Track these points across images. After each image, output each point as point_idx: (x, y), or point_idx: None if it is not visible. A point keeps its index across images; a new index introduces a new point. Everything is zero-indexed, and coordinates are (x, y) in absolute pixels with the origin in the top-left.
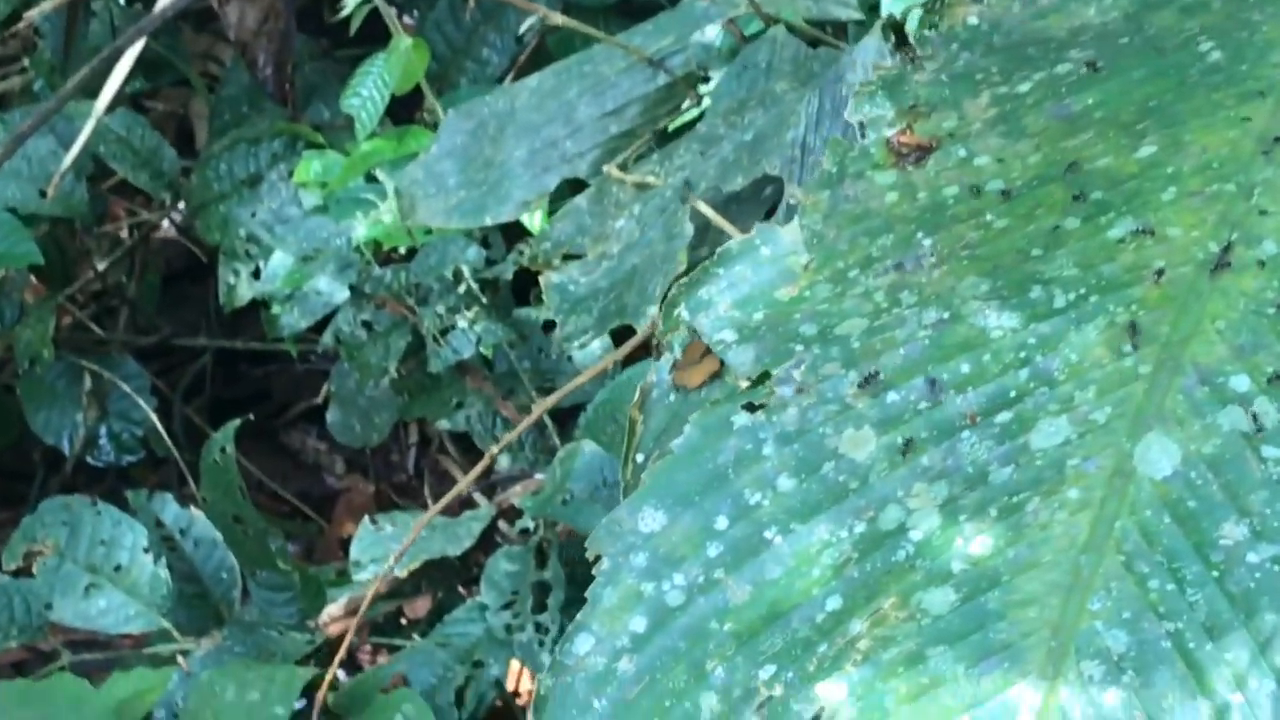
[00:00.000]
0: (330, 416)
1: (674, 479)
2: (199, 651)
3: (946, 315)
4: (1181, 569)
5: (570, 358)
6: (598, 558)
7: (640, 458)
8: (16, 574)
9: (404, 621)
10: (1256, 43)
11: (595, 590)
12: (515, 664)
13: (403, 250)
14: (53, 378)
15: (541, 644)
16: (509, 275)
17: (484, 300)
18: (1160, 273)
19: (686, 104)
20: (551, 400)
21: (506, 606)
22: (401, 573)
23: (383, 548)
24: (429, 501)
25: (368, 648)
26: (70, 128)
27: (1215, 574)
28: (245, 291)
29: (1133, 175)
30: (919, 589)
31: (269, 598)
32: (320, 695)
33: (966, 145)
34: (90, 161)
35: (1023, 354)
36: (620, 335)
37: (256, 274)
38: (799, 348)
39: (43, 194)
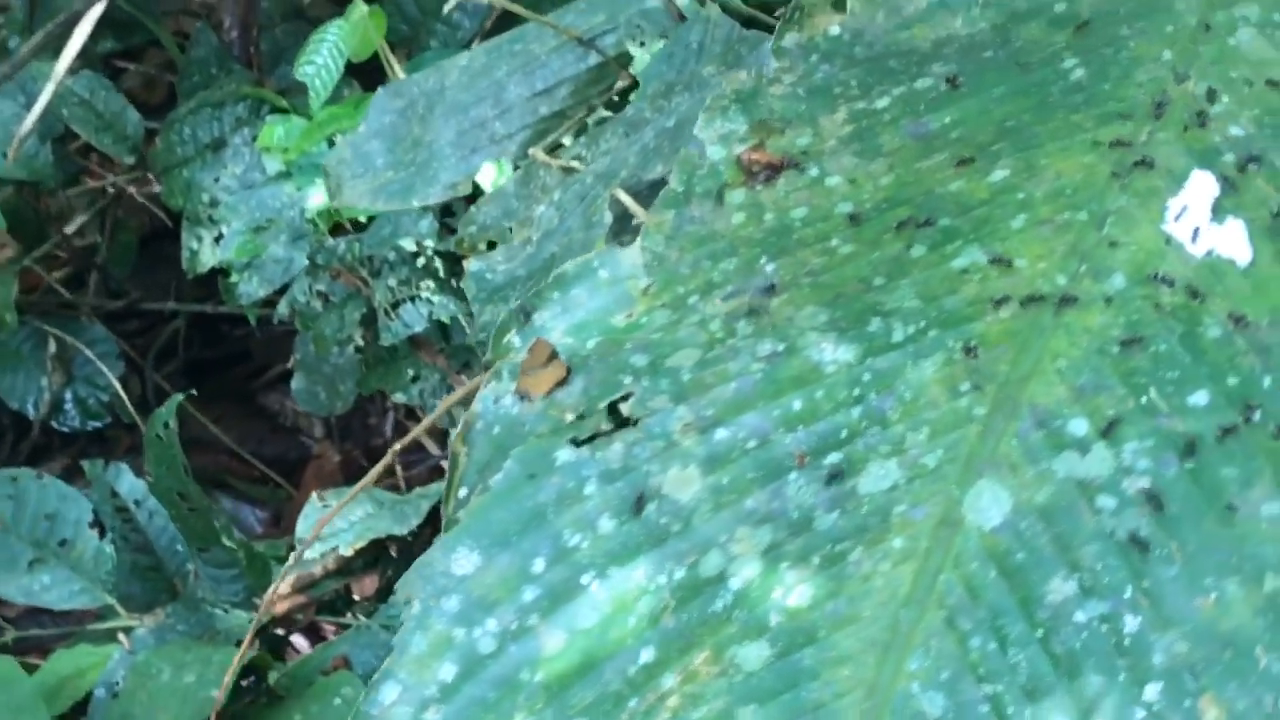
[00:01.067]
0: (295, 384)
1: (491, 518)
2: (141, 629)
3: (781, 348)
4: (1005, 627)
5: None
6: (408, 601)
7: (463, 492)
8: None
9: (355, 599)
10: (1122, 60)
11: (403, 636)
12: None
13: (363, 220)
14: (17, 342)
15: None
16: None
17: (439, 273)
18: (1002, 306)
19: (619, 84)
20: (455, 397)
21: None
22: (347, 551)
23: (329, 524)
24: (399, 471)
25: (330, 626)
26: (36, 89)
27: (1040, 633)
28: (208, 257)
29: (983, 201)
30: (734, 642)
31: (215, 574)
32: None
33: (819, 164)
34: (61, 124)
35: (856, 391)
36: None
37: (219, 239)
38: (628, 379)
39: (3, 155)
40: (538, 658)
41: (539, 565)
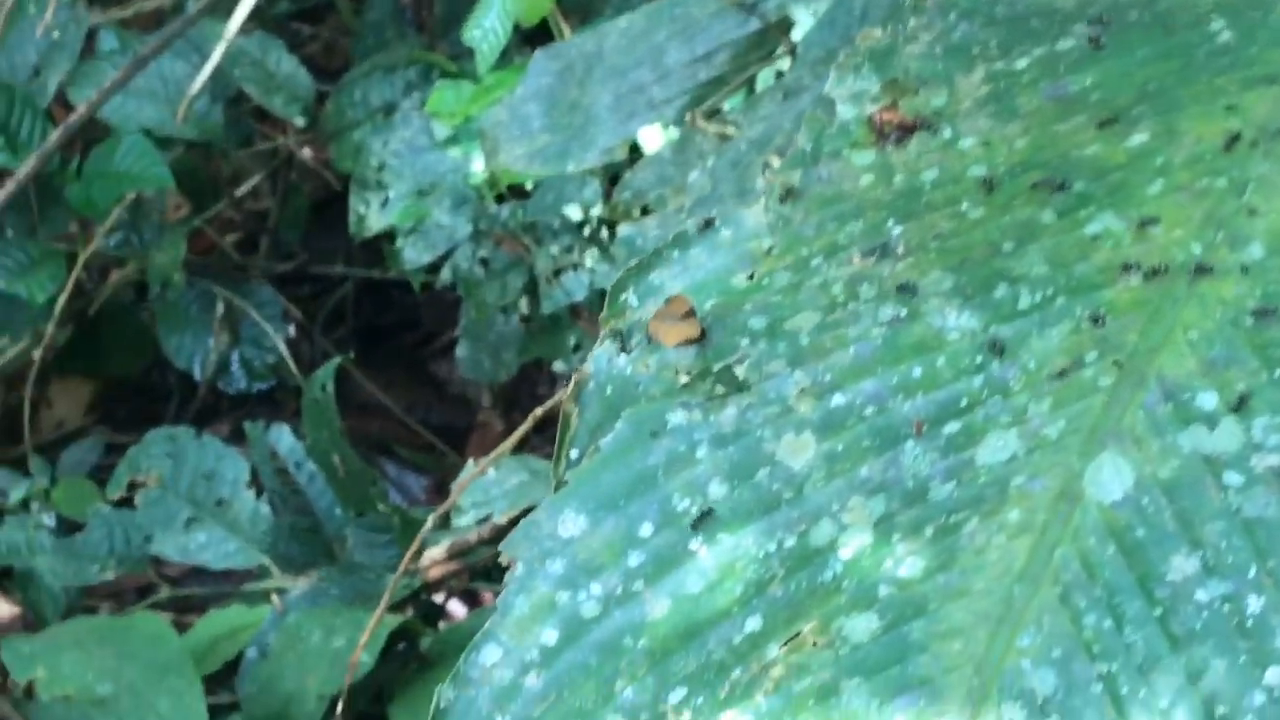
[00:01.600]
0: (459, 351)
1: (600, 480)
2: (295, 591)
3: (904, 312)
4: (1121, 605)
5: None
6: (511, 563)
7: (574, 453)
8: (120, 504)
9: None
10: (1271, 23)
11: (506, 598)
12: None
13: (528, 187)
14: (186, 303)
15: None
16: None
17: (602, 241)
18: (1134, 273)
19: (780, 50)
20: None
21: None
22: (501, 519)
23: (484, 491)
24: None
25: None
26: (209, 49)
27: (1158, 611)
28: (375, 222)
29: (1120, 165)
30: (841, 613)
31: (369, 539)
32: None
33: (953, 125)
34: (234, 85)
35: (979, 359)
36: None
37: (385, 204)
38: (745, 342)
39: (175, 115)
40: (642, 623)
41: (646, 529)
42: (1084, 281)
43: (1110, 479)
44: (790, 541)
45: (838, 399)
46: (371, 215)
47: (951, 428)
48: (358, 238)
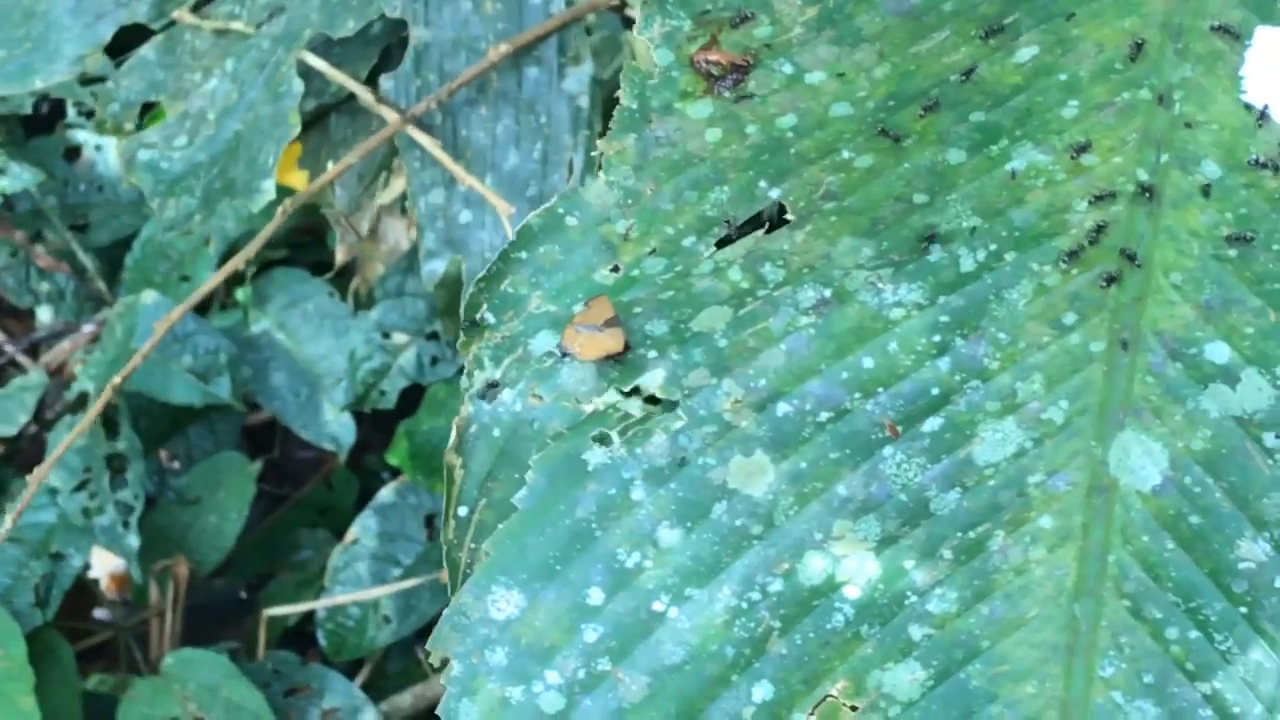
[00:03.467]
0: None
1: (525, 544)
2: None
3: (828, 293)
4: (1202, 608)
5: (101, 188)
6: (444, 662)
7: (463, 511)
8: None
9: None
10: None
11: (448, 705)
12: (99, 550)
13: None
14: None
15: (126, 525)
16: (27, 110)
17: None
18: (1083, 214)
19: None
20: None
21: (80, 487)
22: None
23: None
24: None
25: None
26: None
27: (1243, 609)
28: None
29: (1018, 87)
30: (874, 666)
31: None
32: None
33: (790, 59)
34: None
35: (936, 337)
36: None
37: None
38: (650, 353)
39: None
40: (621, 710)
41: (596, 596)
42: (1028, 230)
43: (1141, 462)
44: (775, 584)
45: (783, 407)
46: None
47: (932, 424)
48: None
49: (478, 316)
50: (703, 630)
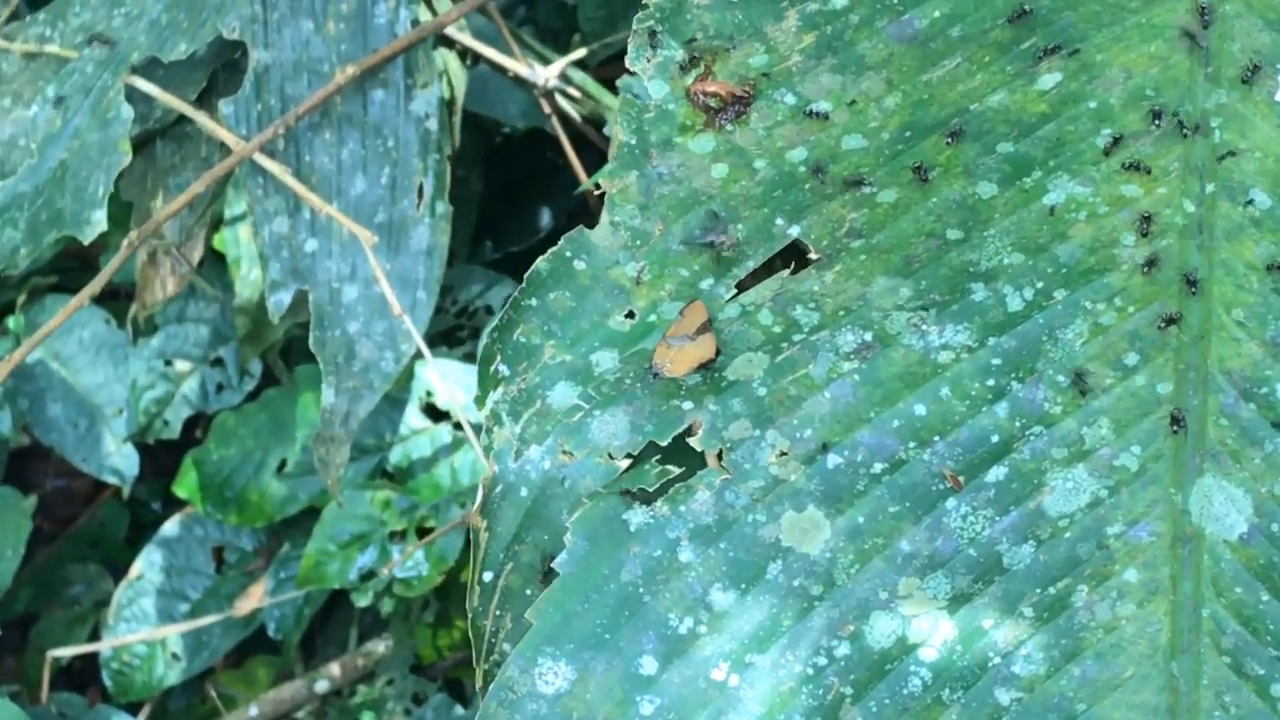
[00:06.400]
0: None
1: (569, 612)
2: None
3: (869, 336)
4: None
5: None
6: None
7: (488, 577)
8: None
9: None
10: None
11: None
12: None
13: None
14: None
15: None
16: None
17: None
18: (1132, 249)
19: None
20: None
21: None
22: None
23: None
24: None
25: None
26: None
27: None
28: None
29: (1044, 115)
30: None
31: None
32: None
33: (792, 88)
34: None
35: (991, 381)
36: None
37: None
38: (685, 404)
39: None
40: None
41: (649, 665)
42: (1076, 267)
43: (1225, 509)
44: (842, 648)
45: (833, 459)
46: None
47: (996, 474)
48: None
49: (492, 369)
50: (768, 699)
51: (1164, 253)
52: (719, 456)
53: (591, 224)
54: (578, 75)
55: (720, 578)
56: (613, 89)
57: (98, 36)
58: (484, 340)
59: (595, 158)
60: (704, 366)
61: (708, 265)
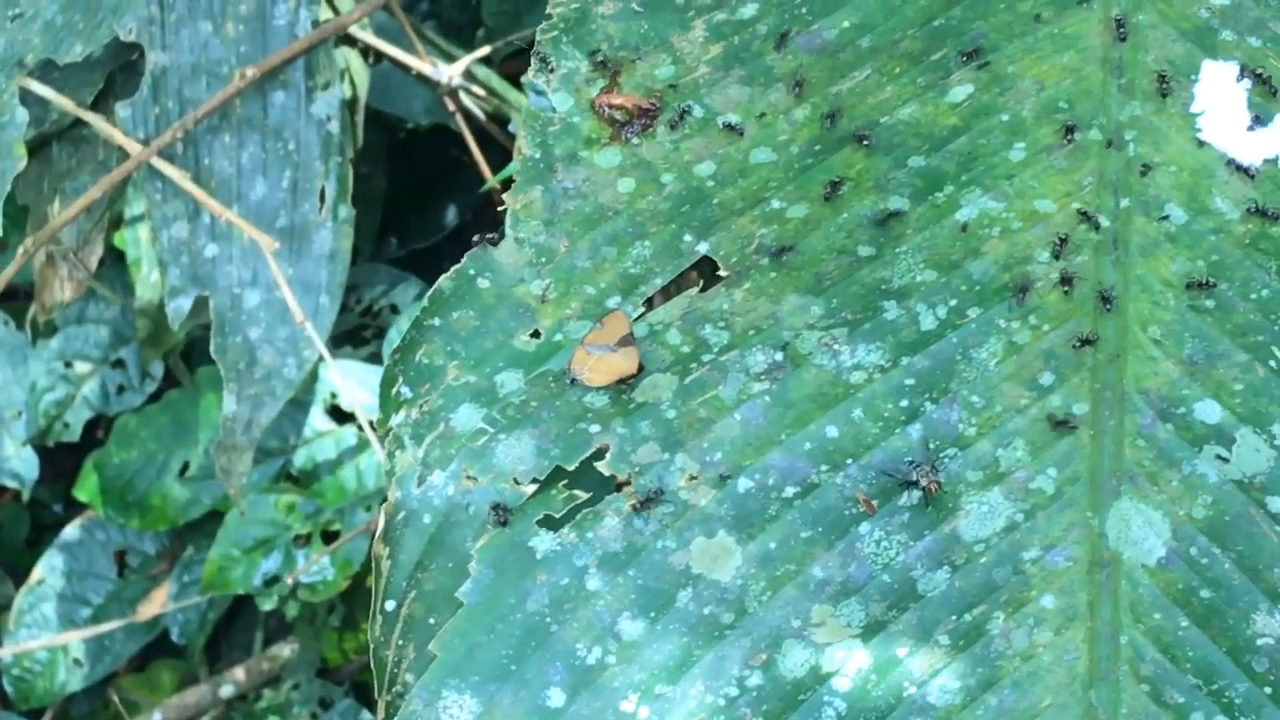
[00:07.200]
0: None
1: (474, 642)
2: None
3: (779, 356)
4: (1225, 690)
5: None
6: None
7: (390, 605)
8: None
9: None
10: None
11: None
12: None
13: None
14: None
15: None
16: None
17: None
18: (1046, 265)
19: None
20: None
21: None
22: None
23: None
24: None
25: None
26: None
27: (1267, 689)
28: None
29: (955, 128)
30: None
31: None
32: None
33: (699, 100)
34: None
35: (904, 402)
36: None
37: None
38: (592, 426)
39: None
40: None
41: (557, 697)
42: (990, 284)
43: (1142, 532)
44: (754, 678)
45: (744, 483)
46: None
47: (910, 497)
48: None
49: (394, 391)
50: None
51: (1078, 270)
52: (626, 482)
53: (497, 222)
54: (481, 72)
55: (629, 606)
56: (517, 85)
57: None
58: (385, 366)
59: (500, 154)
60: (624, 381)
61: (614, 283)
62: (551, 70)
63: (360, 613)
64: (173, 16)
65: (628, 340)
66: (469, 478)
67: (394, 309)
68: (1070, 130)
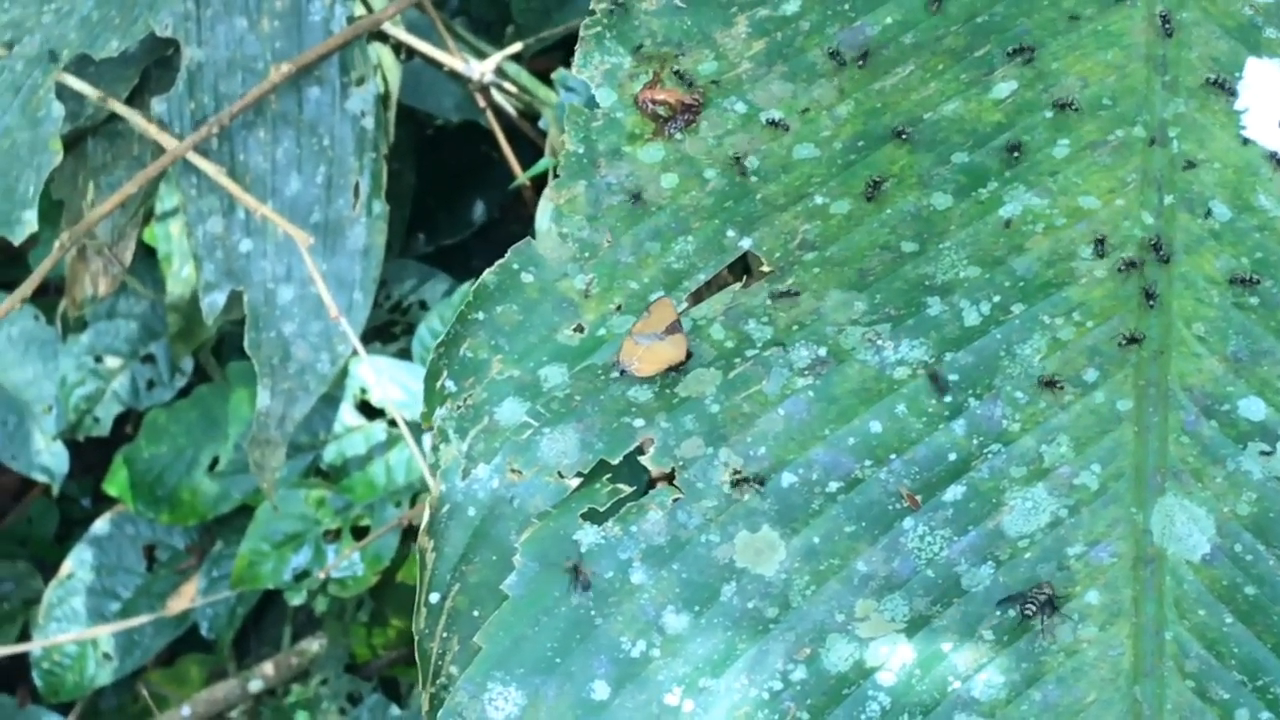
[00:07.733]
0: None
1: (518, 635)
2: None
3: (823, 352)
4: (1270, 685)
5: None
6: None
7: (434, 598)
8: None
9: None
10: None
11: None
12: None
13: None
14: None
15: None
16: None
17: None
18: (1091, 261)
19: None
20: None
21: None
22: None
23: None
24: None
25: None
26: None
27: None
28: None
29: (999, 124)
30: None
31: None
32: None
33: (742, 96)
34: None
35: (948, 398)
36: None
37: None
38: (636, 421)
39: None
40: None
41: (601, 690)
42: (1034, 280)
43: (1186, 528)
44: (798, 672)
45: (788, 478)
46: None
47: (954, 493)
48: None
49: (439, 384)
50: None
51: (1119, 266)
52: (671, 475)
53: (525, 218)
54: (512, 69)
55: (673, 600)
56: (547, 82)
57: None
58: (430, 360)
59: (529, 151)
60: (675, 369)
61: (657, 278)
62: (595, 66)
63: (389, 608)
64: (208, 12)
65: (675, 327)
66: (513, 471)
67: (423, 305)
68: (1125, 73)
